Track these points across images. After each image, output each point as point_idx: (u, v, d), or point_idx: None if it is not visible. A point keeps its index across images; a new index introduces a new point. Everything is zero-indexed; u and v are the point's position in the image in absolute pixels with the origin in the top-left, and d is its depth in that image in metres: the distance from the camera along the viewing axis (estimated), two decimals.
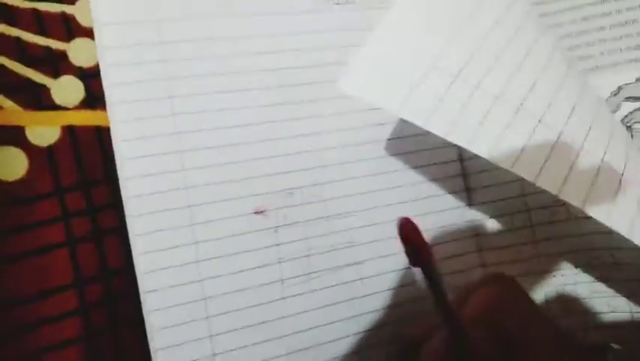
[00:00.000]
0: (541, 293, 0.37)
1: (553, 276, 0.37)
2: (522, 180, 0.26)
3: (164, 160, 0.31)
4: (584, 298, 0.36)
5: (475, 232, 0.37)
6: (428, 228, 0.35)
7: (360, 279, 0.34)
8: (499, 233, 0.37)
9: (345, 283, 0.34)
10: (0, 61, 0.31)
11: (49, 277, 0.30)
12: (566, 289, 0.37)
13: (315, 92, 0.34)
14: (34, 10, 0.32)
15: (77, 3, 0.32)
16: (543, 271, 0.37)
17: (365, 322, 0.33)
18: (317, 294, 0.33)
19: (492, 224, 0.37)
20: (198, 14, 0.33)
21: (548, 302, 0.37)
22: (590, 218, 0.26)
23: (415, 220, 0.21)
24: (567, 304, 0.37)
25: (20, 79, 0.31)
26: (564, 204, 0.34)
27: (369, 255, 0.34)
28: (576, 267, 0.36)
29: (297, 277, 0.33)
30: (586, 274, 0.36)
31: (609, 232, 0.27)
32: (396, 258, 0.34)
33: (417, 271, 0.22)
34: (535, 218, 0.37)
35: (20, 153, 0.30)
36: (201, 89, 0.32)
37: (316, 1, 0.35)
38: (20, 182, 0.30)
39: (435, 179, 0.37)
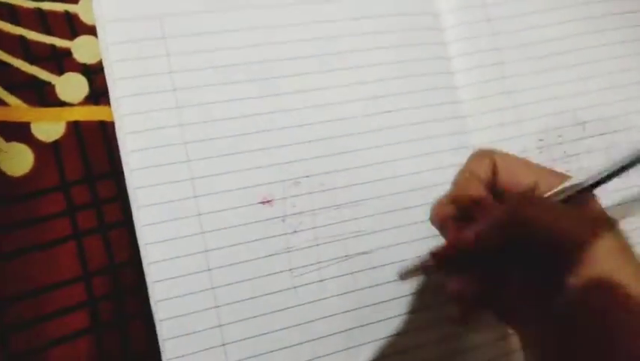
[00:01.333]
0: None
1: None
2: None
3: (168, 151, 0.31)
4: None
5: None
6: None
7: (371, 268, 0.33)
8: None
9: (356, 272, 0.33)
10: (5, 59, 0.31)
11: (56, 270, 0.30)
12: None
13: (321, 81, 0.34)
14: (38, 9, 0.32)
15: (80, 2, 0.33)
16: None
17: (376, 311, 0.33)
18: (327, 283, 0.32)
19: None
20: (202, 8, 0.33)
21: None
22: None
23: None
24: None
25: (25, 76, 0.31)
26: None
27: (379, 244, 0.33)
28: None
29: (306, 266, 0.32)
30: None
31: None
32: (406, 247, 0.33)
33: None
34: None
35: (26, 149, 0.30)
36: (205, 81, 0.32)
37: None
38: (26, 177, 0.30)
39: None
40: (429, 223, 0.31)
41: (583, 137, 0.39)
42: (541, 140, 0.38)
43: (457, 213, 0.28)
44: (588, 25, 0.40)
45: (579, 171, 0.39)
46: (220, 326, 0.30)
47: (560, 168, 0.38)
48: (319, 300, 0.32)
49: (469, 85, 0.37)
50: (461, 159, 0.35)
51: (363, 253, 0.33)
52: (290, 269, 0.32)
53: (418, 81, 0.35)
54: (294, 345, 0.31)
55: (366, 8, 0.35)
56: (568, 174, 0.39)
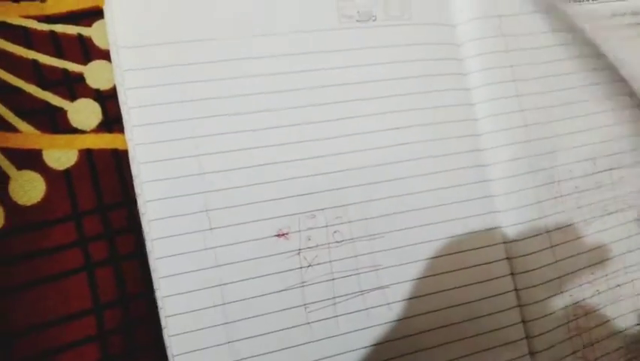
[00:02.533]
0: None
1: None
2: None
3: (184, 182, 0.30)
4: None
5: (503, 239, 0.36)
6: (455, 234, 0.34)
7: (387, 304, 0.33)
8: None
9: (372, 308, 0.32)
10: (17, 84, 0.30)
11: (67, 302, 0.29)
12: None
13: (340, 111, 0.33)
14: (51, 32, 0.31)
15: (94, 25, 0.32)
16: None
17: (393, 348, 0.32)
18: (342, 319, 0.32)
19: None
20: (219, 35, 0.32)
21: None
22: None
23: None
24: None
25: (37, 102, 0.30)
26: None
27: (396, 279, 0.33)
28: None
29: (321, 301, 0.32)
30: None
31: None
32: (422, 282, 0.33)
33: None
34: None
35: (38, 177, 0.30)
36: (222, 111, 0.32)
37: (340, 19, 0.34)
38: (37, 206, 0.29)
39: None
40: (447, 258, 0.30)
41: (594, 172, 0.39)
42: (551, 175, 0.38)
43: None
44: (604, 60, 0.40)
45: (589, 206, 0.39)
46: None
47: (570, 205, 0.38)
48: (334, 336, 0.31)
49: (488, 117, 0.36)
50: (480, 192, 0.35)
51: (379, 288, 0.33)
52: (304, 304, 0.31)
53: (438, 112, 0.35)
54: None
55: (387, 38, 0.35)
56: (578, 210, 0.39)
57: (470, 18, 0.36)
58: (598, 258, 0.39)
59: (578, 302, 0.37)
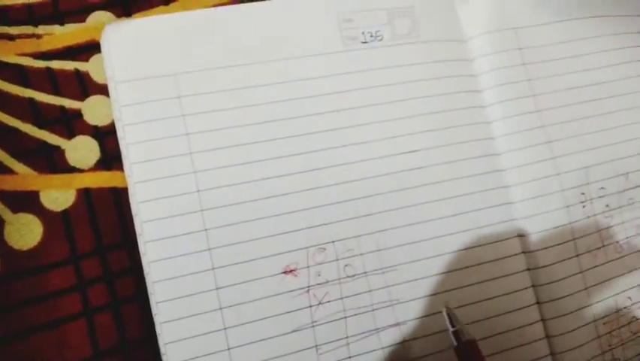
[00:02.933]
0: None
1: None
2: None
3: (185, 221, 0.29)
4: None
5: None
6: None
7: (403, 342, 0.30)
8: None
9: (387, 346, 0.30)
10: (13, 124, 0.29)
11: (65, 351, 0.28)
12: None
13: (346, 138, 0.32)
14: (48, 68, 0.30)
15: (91, 59, 0.31)
16: None
17: None
18: (356, 360, 0.30)
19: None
20: (217, 66, 0.31)
21: None
22: None
23: None
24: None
25: (34, 141, 0.30)
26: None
27: (412, 315, 0.31)
28: None
29: (334, 341, 0.30)
30: None
31: None
32: (440, 317, 0.31)
33: None
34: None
35: (34, 220, 0.29)
36: (223, 143, 0.30)
37: (344, 42, 0.32)
38: (34, 250, 0.28)
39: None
40: (467, 290, 0.29)
41: (626, 188, 0.37)
42: (583, 193, 0.35)
43: None
44: (630, 69, 0.37)
45: (622, 225, 0.36)
46: None
47: (602, 223, 0.35)
48: None
49: (506, 135, 0.34)
50: (501, 217, 0.33)
51: (396, 324, 0.30)
52: (315, 346, 0.30)
53: (452, 133, 0.33)
54: None
55: (395, 58, 0.33)
56: (610, 229, 0.37)
57: (482, 32, 0.35)
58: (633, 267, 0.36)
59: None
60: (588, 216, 0.35)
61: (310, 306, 0.30)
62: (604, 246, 0.36)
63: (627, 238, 0.36)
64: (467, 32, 0.35)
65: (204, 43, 0.31)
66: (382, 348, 0.30)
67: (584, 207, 0.35)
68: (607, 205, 0.36)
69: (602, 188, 0.36)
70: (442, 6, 0.35)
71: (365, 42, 0.33)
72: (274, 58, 0.32)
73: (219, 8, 0.32)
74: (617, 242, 0.36)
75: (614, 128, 0.37)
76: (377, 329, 0.30)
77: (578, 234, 0.35)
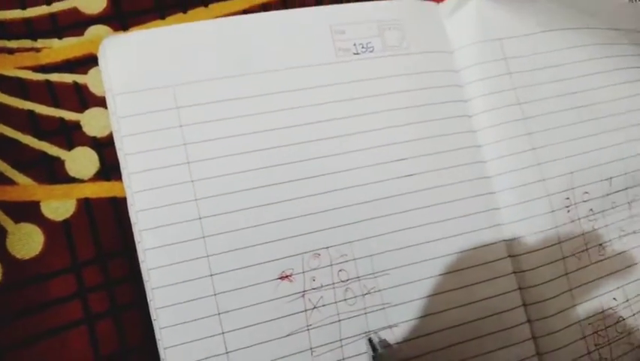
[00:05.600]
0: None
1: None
2: None
3: (183, 229, 0.30)
4: None
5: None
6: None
7: (396, 343, 0.31)
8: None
9: (380, 348, 0.31)
10: (14, 136, 0.30)
11: (67, 357, 0.29)
12: None
13: (339, 147, 0.33)
14: (47, 81, 0.31)
15: (90, 72, 0.32)
16: None
17: None
18: None
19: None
20: (214, 76, 0.32)
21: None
22: None
23: None
24: None
25: (34, 153, 0.30)
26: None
27: (404, 317, 0.32)
28: None
29: (328, 344, 0.31)
30: None
31: None
32: (433, 318, 0.32)
33: None
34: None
35: (36, 229, 0.29)
36: (220, 153, 0.31)
37: (337, 53, 0.34)
38: (36, 259, 0.29)
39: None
40: (456, 293, 0.30)
41: (609, 192, 0.38)
42: (567, 198, 0.36)
43: None
44: (614, 77, 0.39)
45: (605, 228, 0.37)
46: None
47: (586, 227, 0.36)
48: None
49: (492, 143, 0.35)
50: (488, 222, 0.34)
51: (389, 327, 0.31)
52: (310, 348, 0.30)
53: (440, 141, 0.34)
54: None
55: (385, 69, 0.34)
56: (594, 232, 0.38)
57: (468, 43, 0.36)
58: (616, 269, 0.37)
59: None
60: (573, 221, 0.36)
61: (305, 310, 0.31)
62: (588, 249, 0.37)
63: (610, 240, 0.38)
64: (454, 44, 0.36)
65: (201, 54, 0.32)
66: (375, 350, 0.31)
67: (568, 211, 0.36)
68: (591, 209, 0.37)
69: (586, 193, 0.37)
70: (429, 19, 0.36)
71: (357, 53, 0.34)
72: (270, 69, 0.33)
73: (216, 20, 0.33)
74: (601, 245, 0.37)
75: (598, 135, 0.38)
76: (370, 331, 0.31)
77: (563, 237, 0.36)
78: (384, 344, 0.31)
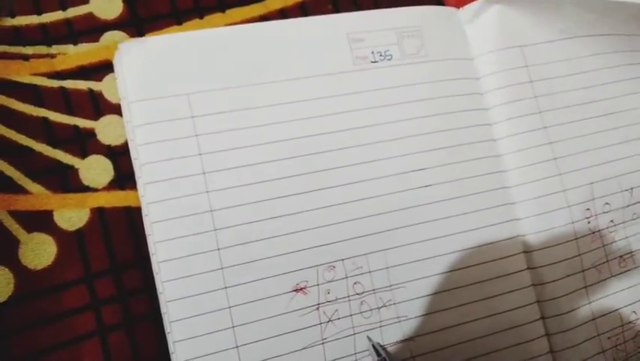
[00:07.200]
0: None
1: None
2: None
3: (198, 241, 0.29)
4: None
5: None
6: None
7: (412, 357, 0.31)
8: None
9: None
10: (27, 143, 0.30)
11: None
12: None
13: (356, 157, 0.32)
14: (61, 88, 0.31)
15: (105, 79, 0.32)
16: None
17: None
18: None
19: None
20: (230, 85, 0.31)
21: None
22: None
23: None
24: None
25: (48, 161, 0.30)
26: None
27: (421, 330, 0.31)
28: None
29: (343, 358, 0.30)
30: None
31: None
32: (450, 332, 0.31)
33: None
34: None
35: (48, 239, 0.29)
36: (236, 163, 0.31)
37: (355, 61, 0.33)
38: (49, 270, 0.29)
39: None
40: (474, 306, 0.30)
41: (630, 203, 0.37)
42: (588, 209, 0.36)
43: None
44: (636, 85, 0.38)
45: (626, 239, 0.37)
46: None
47: (606, 239, 0.36)
48: None
49: (512, 152, 0.34)
50: (507, 233, 0.33)
51: (405, 340, 0.31)
52: None
53: (460, 151, 0.33)
54: None
55: (403, 77, 0.34)
56: (614, 244, 0.37)
57: (489, 50, 0.35)
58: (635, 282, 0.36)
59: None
60: (593, 232, 0.36)
61: (320, 323, 0.30)
62: (608, 261, 0.36)
63: (631, 252, 0.37)
64: (474, 51, 0.35)
65: (217, 62, 0.31)
66: None
67: (589, 222, 0.35)
68: (611, 221, 0.36)
69: (607, 203, 0.36)
70: (449, 25, 0.35)
71: (375, 61, 0.33)
72: (287, 77, 0.32)
73: (232, 27, 0.32)
74: (622, 257, 0.37)
75: (619, 144, 0.37)
76: (386, 345, 0.31)
77: (583, 249, 0.35)
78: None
